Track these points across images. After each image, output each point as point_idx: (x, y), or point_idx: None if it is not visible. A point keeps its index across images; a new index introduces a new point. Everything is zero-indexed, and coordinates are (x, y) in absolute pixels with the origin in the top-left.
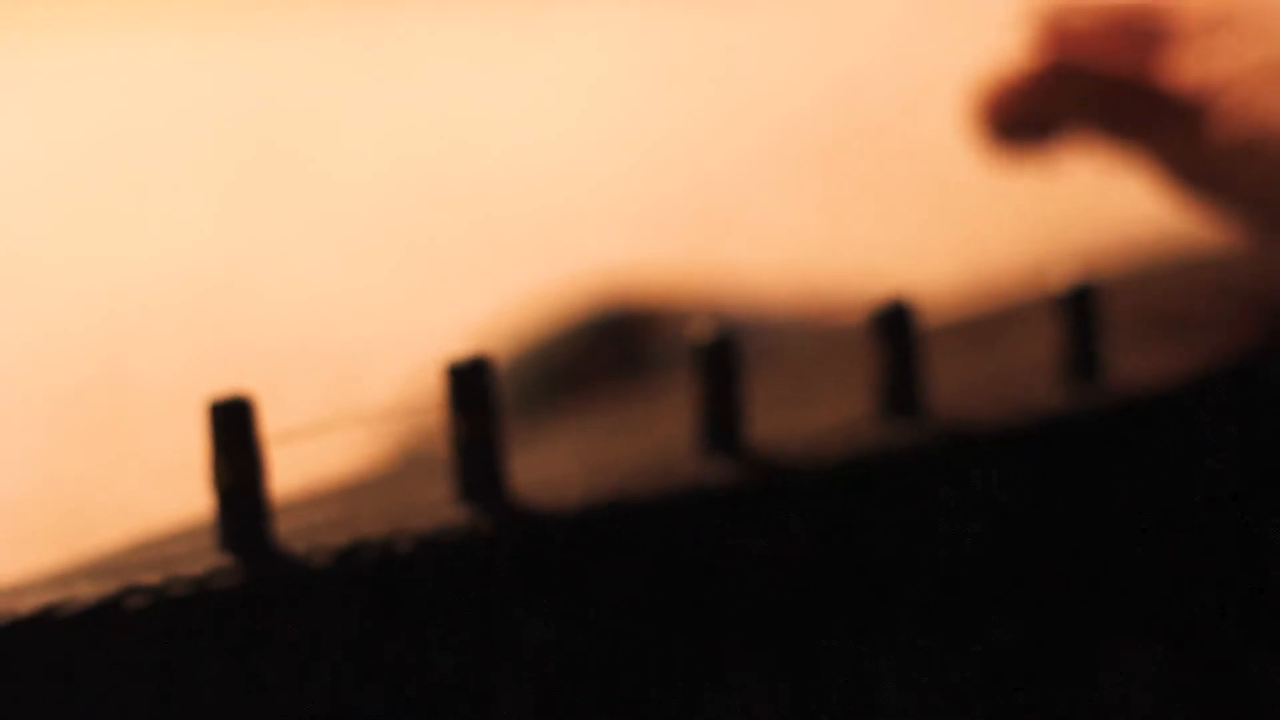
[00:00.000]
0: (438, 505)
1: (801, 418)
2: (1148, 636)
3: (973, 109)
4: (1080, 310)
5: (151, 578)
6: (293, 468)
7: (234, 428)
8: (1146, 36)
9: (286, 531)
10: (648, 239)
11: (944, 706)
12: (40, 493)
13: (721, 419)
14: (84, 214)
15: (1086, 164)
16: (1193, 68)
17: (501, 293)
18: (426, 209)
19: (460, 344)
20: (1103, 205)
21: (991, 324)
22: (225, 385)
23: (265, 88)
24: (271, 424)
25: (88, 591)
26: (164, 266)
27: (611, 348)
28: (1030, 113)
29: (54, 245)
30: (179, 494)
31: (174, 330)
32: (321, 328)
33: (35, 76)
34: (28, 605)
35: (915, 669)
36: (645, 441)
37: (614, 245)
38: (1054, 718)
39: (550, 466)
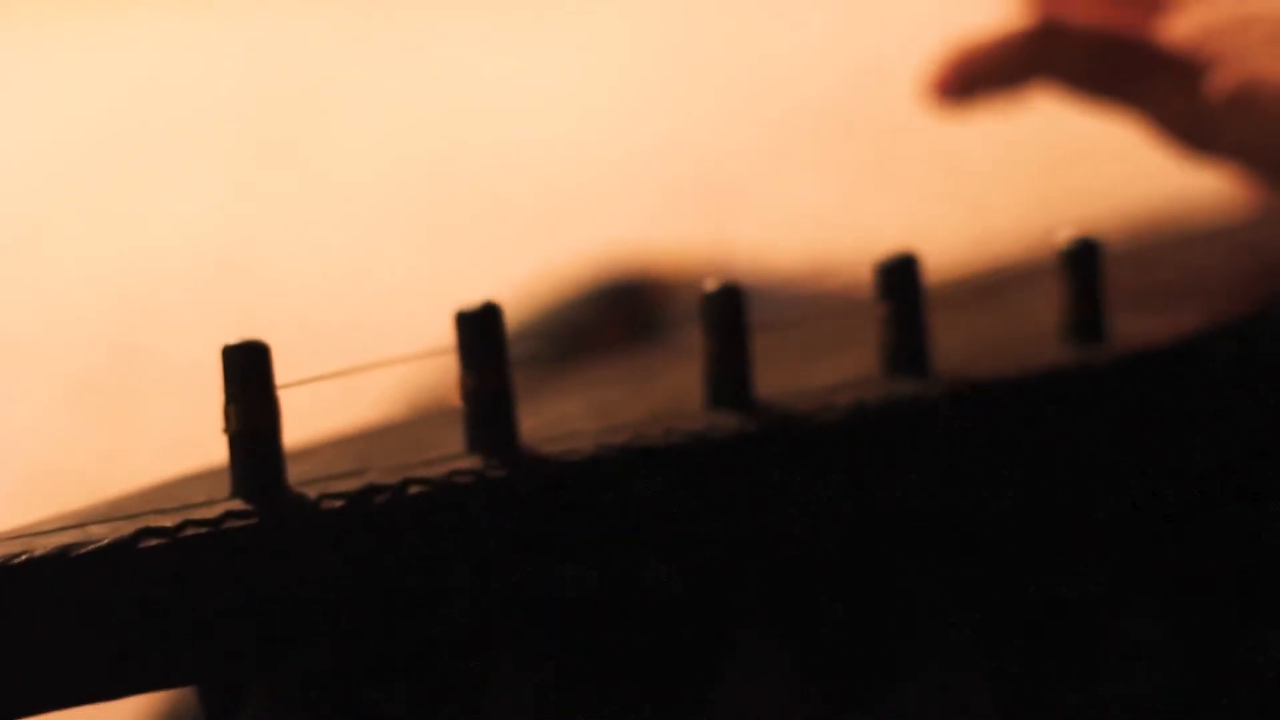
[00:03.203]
0: (449, 453)
1: (809, 376)
2: (1149, 595)
3: (939, 68)
4: (1084, 267)
5: (166, 520)
6: (305, 416)
7: (248, 372)
8: None
9: (299, 477)
10: (661, 214)
11: (948, 657)
12: (57, 466)
13: (730, 369)
14: (100, 192)
15: (1062, 109)
16: (1190, 25)
17: (515, 269)
18: (441, 186)
19: None
20: (1108, 178)
21: (997, 286)
22: None
23: (279, 64)
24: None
25: (103, 533)
26: (179, 243)
27: (623, 314)
28: (1002, 67)
29: (70, 223)
30: (194, 466)
31: (190, 306)
32: (336, 303)
33: (47, 56)
34: (44, 546)
35: (922, 621)
36: (655, 397)
37: (627, 220)
38: (1056, 675)
39: (561, 420)
